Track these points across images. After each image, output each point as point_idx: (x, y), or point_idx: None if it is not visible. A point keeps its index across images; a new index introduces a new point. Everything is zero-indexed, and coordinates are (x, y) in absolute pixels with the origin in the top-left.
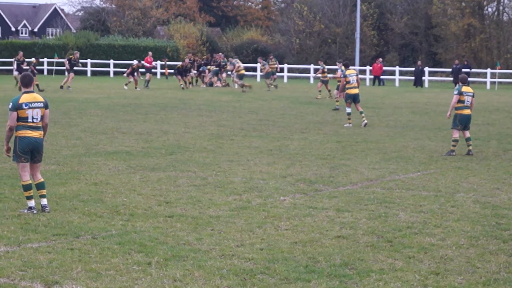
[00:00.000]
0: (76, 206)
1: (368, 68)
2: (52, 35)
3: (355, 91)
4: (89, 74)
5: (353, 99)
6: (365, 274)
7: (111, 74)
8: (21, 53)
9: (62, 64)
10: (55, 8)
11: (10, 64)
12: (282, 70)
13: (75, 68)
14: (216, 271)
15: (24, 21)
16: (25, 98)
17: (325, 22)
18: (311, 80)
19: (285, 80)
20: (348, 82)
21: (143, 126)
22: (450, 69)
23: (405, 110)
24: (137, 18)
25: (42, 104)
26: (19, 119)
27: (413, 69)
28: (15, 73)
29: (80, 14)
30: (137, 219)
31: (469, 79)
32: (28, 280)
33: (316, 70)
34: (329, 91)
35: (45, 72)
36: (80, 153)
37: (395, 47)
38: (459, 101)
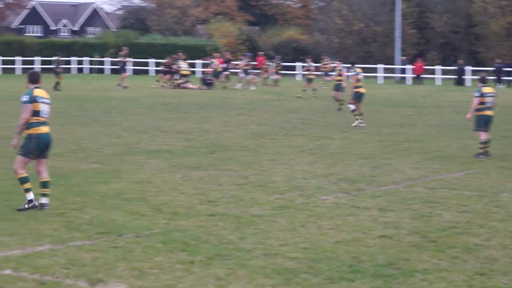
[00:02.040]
0: (119, 204)
1: (405, 66)
2: (92, 34)
3: (364, 90)
4: (129, 73)
5: (361, 98)
6: (409, 274)
7: (151, 73)
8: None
9: (102, 63)
10: (95, 7)
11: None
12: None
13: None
14: (259, 270)
15: (65, 20)
16: (37, 92)
17: (364, 21)
18: (379, 80)
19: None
20: (358, 81)
21: (184, 125)
22: (492, 68)
23: (447, 109)
24: (177, 16)
25: (49, 101)
26: (32, 113)
27: (454, 68)
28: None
29: (120, 13)
30: (179, 217)
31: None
32: (72, 278)
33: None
34: (314, 90)
35: (85, 71)
36: (122, 151)
37: (436, 46)
38: (481, 102)
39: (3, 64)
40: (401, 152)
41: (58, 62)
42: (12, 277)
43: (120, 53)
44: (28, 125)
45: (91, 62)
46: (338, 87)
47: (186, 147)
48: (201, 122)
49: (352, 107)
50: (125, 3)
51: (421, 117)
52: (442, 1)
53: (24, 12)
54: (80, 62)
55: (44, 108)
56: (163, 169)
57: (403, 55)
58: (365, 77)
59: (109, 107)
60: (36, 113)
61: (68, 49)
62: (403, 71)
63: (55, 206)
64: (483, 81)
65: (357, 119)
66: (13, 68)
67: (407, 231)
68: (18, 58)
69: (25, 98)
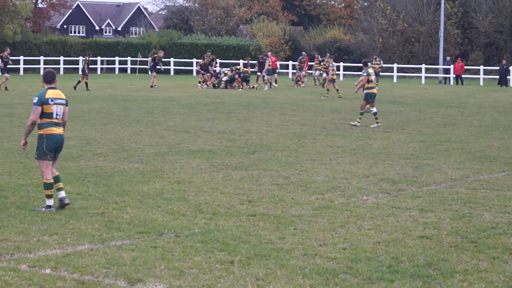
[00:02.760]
0: (159, 204)
1: (448, 67)
2: (135, 34)
3: (376, 90)
4: (172, 72)
5: (373, 99)
6: (449, 275)
7: (194, 73)
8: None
9: (146, 63)
10: (139, 7)
11: (96, 63)
12: (388, 70)
13: (157, 67)
14: (298, 270)
15: (108, 20)
16: (50, 93)
17: (408, 21)
18: (423, 80)
19: (395, 80)
20: (369, 81)
21: (225, 125)
22: None
23: (489, 110)
24: (220, 17)
25: (64, 101)
26: (43, 114)
27: (497, 68)
28: None
29: (163, 13)
30: (220, 217)
31: None
32: (112, 277)
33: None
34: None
35: (129, 71)
36: (163, 151)
37: (479, 46)
38: None
39: (46, 64)
40: (443, 153)
41: (87, 63)
42: (52, 276)
43: (157, 55)
44: (40, 125)
45: (134, 62)
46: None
47: (227, 147)
48: (243, 122)
49: (374, 109)
50: (168, 3)
51: (463, 118)
52: (487, 1)
53: (68, 12)
54: (123, 62)
55: (57, 109)
56: (204, 169)
57: (446, 55)
58: (408, 77)
59: (151, 107)
60: (48, 115)
61: (111, 49)
62: (446, 71)
63: (95, 206)
64: None
65: (359, 119)
66: (57, 68)
67: (447, 232)
68: (62, 58)
69: (35, 99)
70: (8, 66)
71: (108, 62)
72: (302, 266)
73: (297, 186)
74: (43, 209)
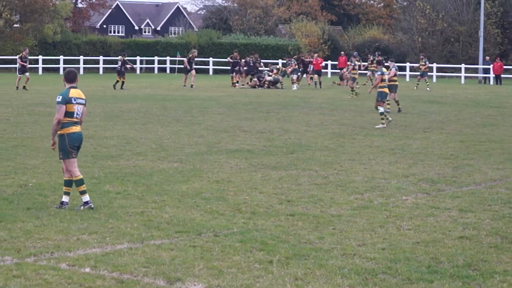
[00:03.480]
0: (198, 203)
1: (488, 66)
2: (174, 33)
3: (387, 90)
4: (211, 72)
5: (385, 98)
6: (489, 276)
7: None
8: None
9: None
10: (178, 7)
11: (135, 62)
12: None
13: (194, 66)
14: (337, 270)
15: (147, 20)
16: (73, 93)
17: (448, 20)
18: (462, 80)
19: (434, 79)
20: (383, 80)
21: (264, 124)
22: None
23: None
24: (259, 16)
25: (84, 101)
26: (65, 114)
27: None
28: None
29: (202, 12)
30: (258, 217)
31: None
32: (151, 276)
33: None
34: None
35: (168, 71)
36: (202, 151)
37: None
38: None
39: (86, 64)
40: (483, 153)
41: (123, 62)
42: (91, 275)
43: (191, 55)
44: (62, 125)
45: (173, 62)
46: (392, 88)
47: (266, 147)
48: (282, 121)
49: (381, 109)
50: (207, 3)
51: (503, 118)
52: None
53: (108, 12)
54: (162, 62)
55: (78, 108)
56: (243, 169)
57: (486, 55)
58: (448, 77)
59: (190, 107)
60: (70, 114)
61: (150, 48)
62: (486, 71)
63: (135, 205)
64: None
65: (383, 122)
66: (97, 68)
67: (487, 232)
68: (101, 58)
69: (59, 98)
70: (27, 66)
71: (147, 62)
72: (341, 266)
73: (336, 186)
74: (82, 207)
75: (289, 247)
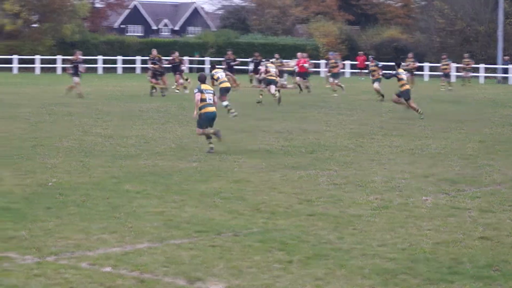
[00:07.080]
0: (218, 203)
1: (507, 66)
2: (192, 33)
3: (408, 86)
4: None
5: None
6: (510, 276)
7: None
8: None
9: (203, 62)
10: (196, 7)
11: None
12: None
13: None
14: (357, 270)
15: (165, 20)
16: (203, 86)
17: (466, 20)
18: (481, 80)
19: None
20: (400, 80)
21: (283, 124)
22: None
23: None
24: (277, 16)
25: (212, 91)
26: (201, 100)
27: None
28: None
29: (220, 12)
30: (278, 217)
31: None
32: (171, 276)
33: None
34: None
35: (186, 70)
36: (221, 150)
37: None
38: None
39: (105, 64)
40: (503, 153)
41: (178, 62)
42: (112, 274)
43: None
44: (200, 107)
45: (191, 62)
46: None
47: (285, 147)
48: (300, 121)
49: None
50: (225, 3)
51: None
52: None
53: (126, 12)
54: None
55: (208, 96)
56: (262, 169)
57: (505, 55)
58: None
59: None
60: (203, 99)
61: (168, 48)
62: (505, 71)
63: (154, 204)
64: None
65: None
66: (115, 68)
67: (507, 233)
68: (120, 58)
69: (195, 89)
70: (79, 71)
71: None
72: (361, 266)
73: (356, 186)
74: (210, 150)
75: (309, 247)
